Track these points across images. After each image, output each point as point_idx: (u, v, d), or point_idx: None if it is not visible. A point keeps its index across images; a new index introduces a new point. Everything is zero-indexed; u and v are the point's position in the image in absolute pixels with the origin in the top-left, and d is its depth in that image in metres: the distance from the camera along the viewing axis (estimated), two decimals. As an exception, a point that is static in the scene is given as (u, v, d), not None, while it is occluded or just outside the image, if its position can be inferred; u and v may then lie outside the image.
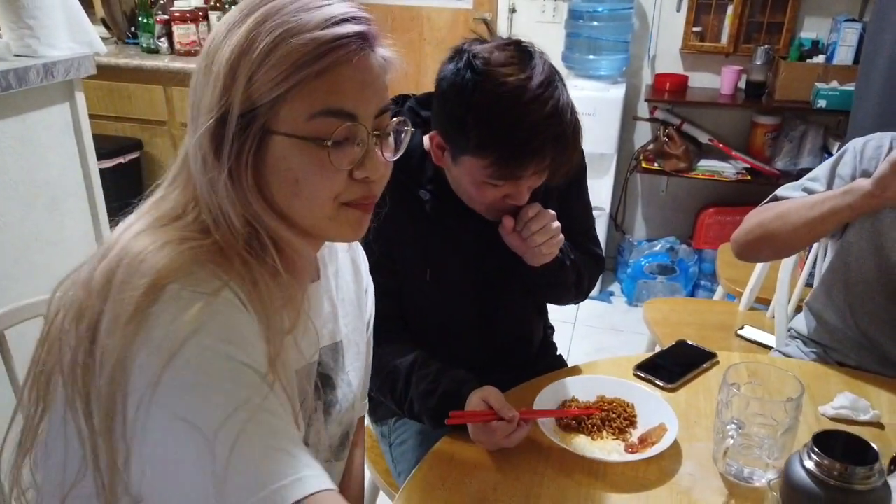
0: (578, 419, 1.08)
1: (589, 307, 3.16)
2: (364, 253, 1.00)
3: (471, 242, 1.23)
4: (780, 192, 1.40)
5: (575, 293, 1.33)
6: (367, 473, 1.37)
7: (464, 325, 1.29)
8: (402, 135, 0.75)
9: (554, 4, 3.10)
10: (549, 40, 3.04)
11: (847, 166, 1.32)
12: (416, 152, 1.19)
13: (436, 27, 3.30)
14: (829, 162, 1.36)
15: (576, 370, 1.26)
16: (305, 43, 0.64)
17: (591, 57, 2.94)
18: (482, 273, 1.25)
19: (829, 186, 1.33)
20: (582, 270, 1.29)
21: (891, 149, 1.28)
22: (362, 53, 0.67)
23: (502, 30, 3.18)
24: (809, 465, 0.70)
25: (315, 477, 0.58)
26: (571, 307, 3.10)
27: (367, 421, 1.40)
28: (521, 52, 1.05)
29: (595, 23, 2.90)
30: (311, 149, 0.66)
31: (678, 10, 2.97)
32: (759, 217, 1.37)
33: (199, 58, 0.69)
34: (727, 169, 3.01)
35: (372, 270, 1.01)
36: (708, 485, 0.98)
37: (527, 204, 1.13)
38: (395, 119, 0.72)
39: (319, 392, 0.84)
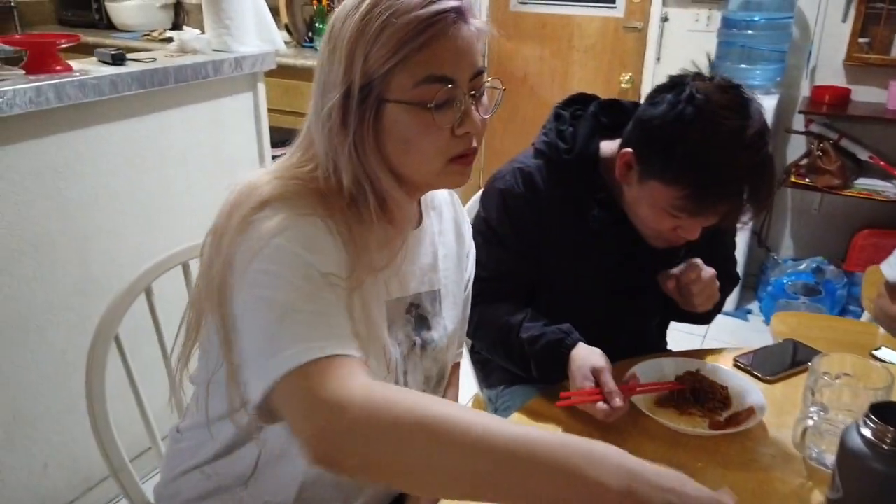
0: (672, 394, 1.14)
1: (722, 322, 3.08)
2: (468, 221, 1.11)
3: (620, 256, 1.26)
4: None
5: (710, 320, 1.37)
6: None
7: (587, 333, 1.27)
8: (499, 96, 0.86)
9: (708, 13, 3.07)
10: (699, 49, 3.02)
11: None
12: (591, 158, 1.23)
13: (586, 34, 3.38)
14: None
15: (676, 353, 1.31)
16: (408, 21, 0.75)
17: (744, 66, 2.89)
18: (620, 286, 1.29)
19: None
20: (722, 298, 1.30)
21: None
22: (455, 25, 0.77)
23: (652, 39, 3.20)
24: (865, 431, 0.73)
25: (346, 347, 0.69)
26: (703, 320, 3.05)
27: (478, 387, 1.54)
28: (742, 99, 1.06)
29: (750, 31, 2.85)
30: (418, 112, 0.77)
31: (843, 20, 2.84)
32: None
33: (323, 42, 0.81)
34: (888, 189, 2.82)
35: (504, 246, 1.13)
36: (789, 467, 1.01)
37: (688, 265, 1.16)
38: (487, 81, 0.83)
39: (418, 329, 0.97)
